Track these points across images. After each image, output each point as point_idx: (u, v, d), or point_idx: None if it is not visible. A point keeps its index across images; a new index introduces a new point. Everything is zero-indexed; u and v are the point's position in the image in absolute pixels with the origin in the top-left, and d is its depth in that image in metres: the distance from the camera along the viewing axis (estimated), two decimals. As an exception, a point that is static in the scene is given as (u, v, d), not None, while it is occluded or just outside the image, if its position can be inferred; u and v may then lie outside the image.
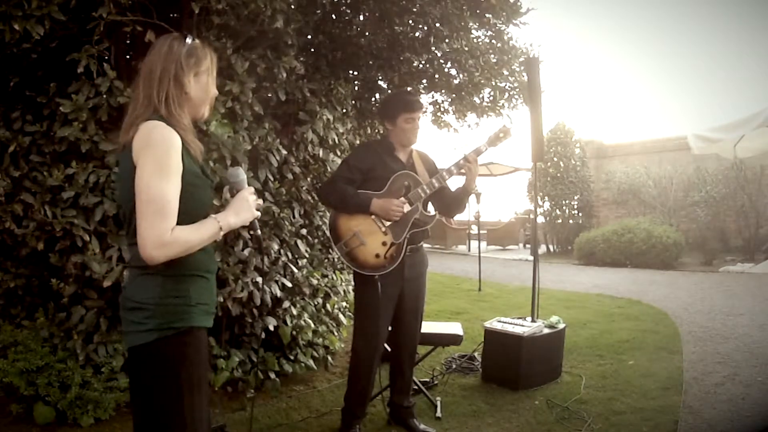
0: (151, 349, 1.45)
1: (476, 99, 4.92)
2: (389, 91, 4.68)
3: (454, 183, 3.04)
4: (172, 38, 1.58)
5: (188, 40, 1.58)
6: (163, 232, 1.38)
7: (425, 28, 4.31)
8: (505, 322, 3.85)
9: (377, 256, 2.78)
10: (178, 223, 1.43)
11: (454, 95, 4.93)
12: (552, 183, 12.10)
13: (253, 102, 3.27)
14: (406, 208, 2.80)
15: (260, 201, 1.68)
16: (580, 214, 12.51)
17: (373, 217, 2.79)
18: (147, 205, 1.39)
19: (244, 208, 1.59)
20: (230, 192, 1.70)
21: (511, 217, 15.37)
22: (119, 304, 1.55)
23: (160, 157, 1.41)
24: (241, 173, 1.69)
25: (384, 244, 2.79)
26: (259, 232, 1.75)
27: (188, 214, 1.47)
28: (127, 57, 3.31)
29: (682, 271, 9.15)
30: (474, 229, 12.23)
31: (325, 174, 3.88)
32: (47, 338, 2.98)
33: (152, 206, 1.38)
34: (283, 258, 3.56)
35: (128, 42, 3.28)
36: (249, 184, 3.14)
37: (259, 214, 1.66)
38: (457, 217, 3.34)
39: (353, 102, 4.52)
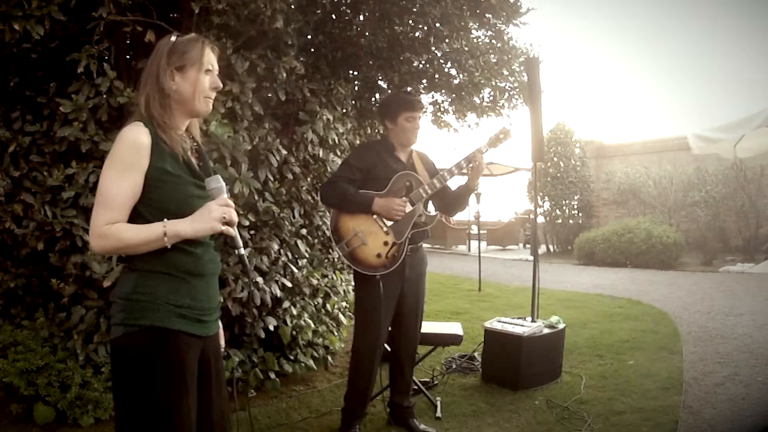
0: (119, 344, 1.49)
1: (476, 99, 4.92)
2: (389, 91, 4.68)
3: (455, 182, 3.05)
4: (162, 39, 1.59)
5: (172, 38, 1.57)
6: (101, 223, 1.43)
7: (425, 28, 4.31)
8: (505, 322, 3.85)
9: (379, 255, 2.79)
10: (153, 219, 1.47)
11: (454, 95, 4.93)
12: (552, 183, 12.09)
13: (253, 102, 3.27)
14: (408, 208, 2.80)
15: (233, 215, 1.53)
16: (580, 214, 12.51)
17: (374, 216, 2.80)
18: (96, 197, 1.46)
19: (203, 219, 1.48)
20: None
21: (511, 217, 15.37)
22: None
23: (116, 155, 1.47)
24: (216, 182, 1.54)
25: (386, 243, 2.79)
26: (242, 250, 1.60)
27: (160, 210, 1.49)
28: (127, 57, 3.31)
29: (682, 271, 9.15)
30: (474, 229, 12.23)
31: (325, 174, 3.88)
32: (47, 338, 2.98)
33: (99, 198, 1.46)
34: (283, 258, 3.56)
35: (128, 42, 3.27)
36: (248, 184, 3.16)
37: (226, 228, 1.52)
38: (457, 217, 3.33)
39: (353, 102, 4.53)
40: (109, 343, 1.57)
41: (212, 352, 1.63)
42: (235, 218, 1.55)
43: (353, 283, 3.09)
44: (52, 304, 3.07)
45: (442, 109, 5.32)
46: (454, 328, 3.72)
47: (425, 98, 5.16)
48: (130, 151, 1.46)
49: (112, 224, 1.43)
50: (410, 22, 4.33)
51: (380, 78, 4.72)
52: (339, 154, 4.10)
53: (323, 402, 3.44)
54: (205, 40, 1.62)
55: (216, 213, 1.50)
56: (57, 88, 2.93)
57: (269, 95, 3.58)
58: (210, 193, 1.55)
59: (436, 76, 4.74)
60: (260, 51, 3.38)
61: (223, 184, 1.56)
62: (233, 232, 1.55)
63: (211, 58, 1.60)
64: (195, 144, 1.67)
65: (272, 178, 3.55)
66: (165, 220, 1.47)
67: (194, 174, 1.57)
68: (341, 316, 4.23)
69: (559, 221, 12.44)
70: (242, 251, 1.61)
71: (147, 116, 1.52)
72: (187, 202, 1.53)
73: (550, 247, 12.85)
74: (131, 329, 1.46)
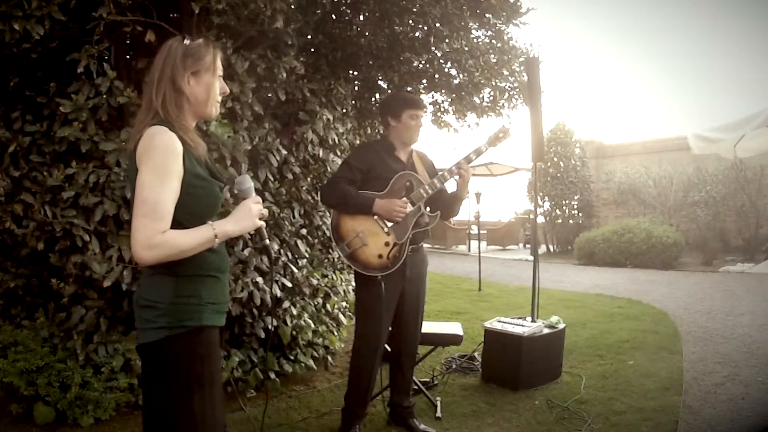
0: (162, 346, 1.49)
1: (476, 99, 4.92)
2: (389, 91, 4.68)
3: (449, 186, 3.04)
4: (172, 41, 1.61)
5: (186, 41, 1.60)
6: (153, 233, 1.39)
7: (425, 28, 4.31)
8: (505, 322, 3.85)
9: (380, 256, 2.78)
10: (184, 225, 1.47)
11: (454, 95, 4.93)
12: (552, 183, 12.10)
13: (253, 102, 3.27)
14: (409, 208, 2.80)
15: (265, 211, 1.65)
16: (580, 214, 12.52)
17: (375, 217, 2.79)
18: (139, 206, 1.42)
19: (245, 217, 1.58)
20: (233, 197, 1.67)
21: (511, 217, 15.38)
22: (133, 301, 1.59)
23: (158, 162, 1.44)
24: (248, 181, 1.66)
25: (387, 244, 2.79)
26: (267, 241, 1.71)
27: (193, 216, 1.52)
28: (127, 57, 3.31)
29: (682, 271, 9.15)
30: (474, 229, 12.23)
31: (325, 174, 3.88)
32: (47, 338, 2.98)
33: (144, 207, 1.41)
34: (283, 258, 3.56)
35: (128, 42, 3.28)
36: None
37: (262, 224, 1.64)
38: (457, 217, 3.32)
39: (353, 102, 4.53)
40: (143, 346, 1.53)
41: None
42: (266, 213, 1.66)
43: (353, 283, 3.09)
44: (52, 304, 3.07)
45: (442, 109, 5.32)
46: (454, 328, 3.72)
47: (425, 98, 5.16)
48: (170, 158, 1.46)
49: (163, 233, 1.41)
50: (410, 22, 4.33)
51: (380, 78, 4.72)
52: (339, 154, 4.10)
53: (323, 402, 3.44)
54: (216, 44, 1.66)
55: (255, 210, 1.60)
56: (57, 88, 2.93)
57: (269, 95, 3.58)
58: (243, 193, 1.65)
59: (436, 76, 4.74)
60: (260, 51, 3.38)
61: (252, 183, 1.68)
62: (264, 225, 1.67)
63: (220, 64, 1.66)
64: None
65: (272, 178, 3.55)
66: (209, 221, 1.52)
67: (214, 176, 1.62)
68: (341, 316, 4.23)
69: (559, 221, 12.45)
70: (267, 241, 1.72)
71: (165, 118, 1.52)
72: (215, 205, 1.60)
73: (550, 247, 12.85)
74: (177, 330, 1.48)
